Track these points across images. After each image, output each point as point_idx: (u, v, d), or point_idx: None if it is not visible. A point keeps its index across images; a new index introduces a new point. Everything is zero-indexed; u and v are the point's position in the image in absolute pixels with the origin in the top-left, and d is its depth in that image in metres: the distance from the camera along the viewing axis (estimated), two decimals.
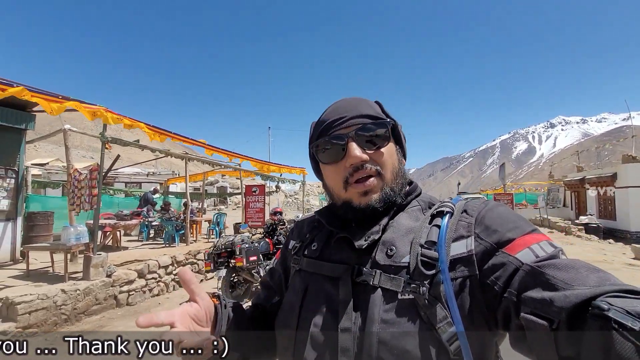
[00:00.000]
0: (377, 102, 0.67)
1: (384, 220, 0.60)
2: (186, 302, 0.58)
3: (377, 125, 0.61)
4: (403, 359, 0.49)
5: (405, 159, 0.68)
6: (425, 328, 0.49)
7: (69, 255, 5.11)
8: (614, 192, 14.62)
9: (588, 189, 16.94)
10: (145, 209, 9.90)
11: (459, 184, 37.23)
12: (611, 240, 13.30)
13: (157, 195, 11.49)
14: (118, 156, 5.65)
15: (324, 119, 0.65)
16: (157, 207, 10.55)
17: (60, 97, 4.27)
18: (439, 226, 0.56)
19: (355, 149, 0.59)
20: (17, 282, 5.01)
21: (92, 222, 7.46)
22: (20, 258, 6.24)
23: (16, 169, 6.50)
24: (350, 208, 0.62)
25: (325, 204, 0.78)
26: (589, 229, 14.35)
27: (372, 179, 0.60)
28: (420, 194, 0.67)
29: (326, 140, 0.62)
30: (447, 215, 0.57)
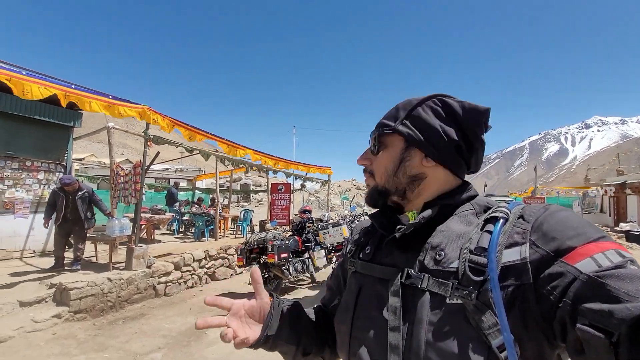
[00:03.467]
0: (423, 100, 0.67)
1: (426, 213, 0.61)
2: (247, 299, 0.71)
3: (377, 133, 0.70)
4: None
5: (432, 157, 0.65)
6: (474, 333, 0.49)
7: (112, 246, 5.43)
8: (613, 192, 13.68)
9: (630, 194, 15.92)
10: (177, 204, 10.29)
11: (486, 185, 35.91)
12: None
13: (175, 191, 11.90)
14: (158, 153, 5.90)
15: None
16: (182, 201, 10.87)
17: (110, 97, 4.55)
18: (491, 232, 0.54)
19: (360, 157, 0.73)
20: (65, 269, 5.38)
21: (130, 215, 7.87)
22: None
23: (64, 163, 6.96)
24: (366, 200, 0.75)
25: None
26: (630, 236, 13.45)
27: (369, 179, 0.72)
28: (475, 196, 0.66)
29: None
30: (501, 220, 0.55)
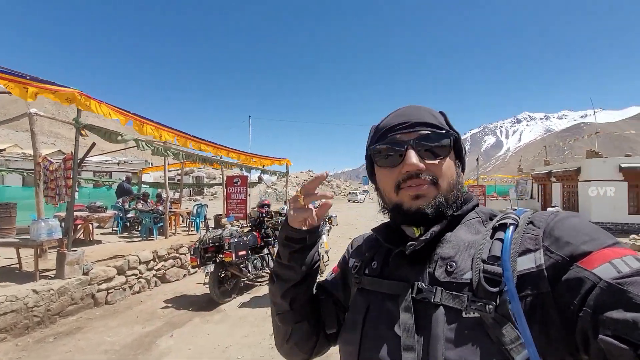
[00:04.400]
0: (441, 113, 0.67)
1: (436, 227, 0.58)
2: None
3: (439, 135, 0.61)
4: None
5: (463, 172, 0.67)
6: (495, 349, 0.46)
7: (38, 252, 4.70)
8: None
9: (554, 182, 17.99)
10: (120, 200, 9.35)
11: None
12: None
13: (129, 186, 10.87)
14: (93, 144, 5.18)
15: (386, 123, 0.65)
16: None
17: (28, 77, 3.81)
18: (502, 240, 0.52)
19: (413, 157, 0.59)
20: None
21: (62, 214, 6.92)
22: None
23: None
24: (400, 211, 0.61)
25: None
26: None
27: (426, 186, 0.59)
28: (477, 205, 0.65)
29: (386, 146, 0.63)
30: (511, 227, 0.53)
